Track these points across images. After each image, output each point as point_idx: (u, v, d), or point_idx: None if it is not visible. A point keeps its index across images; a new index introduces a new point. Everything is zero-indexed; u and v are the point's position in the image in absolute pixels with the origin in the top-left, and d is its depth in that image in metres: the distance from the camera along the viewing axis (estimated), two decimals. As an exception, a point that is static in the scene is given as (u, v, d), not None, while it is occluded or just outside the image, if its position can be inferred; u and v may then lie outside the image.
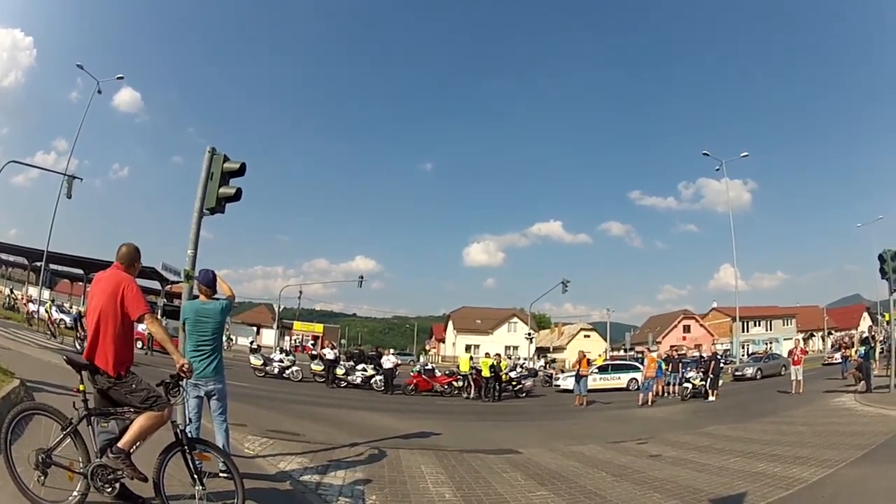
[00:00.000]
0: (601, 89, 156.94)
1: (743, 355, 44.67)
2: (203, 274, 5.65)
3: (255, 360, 22.67)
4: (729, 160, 42.90)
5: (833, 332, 55.47)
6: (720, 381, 20.81)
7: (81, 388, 3.73)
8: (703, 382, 19.60)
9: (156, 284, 37.23)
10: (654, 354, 24.60)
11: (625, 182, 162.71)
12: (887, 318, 20.60)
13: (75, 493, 3.64)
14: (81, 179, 31.46)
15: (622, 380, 25.87)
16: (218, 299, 5.63)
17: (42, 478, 3.56)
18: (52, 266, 35.58)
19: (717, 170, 42.95)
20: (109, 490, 3.65)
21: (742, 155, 43.90)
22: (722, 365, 23.56)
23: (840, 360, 23.54)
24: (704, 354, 23.34)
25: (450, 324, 72.20)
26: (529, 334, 47.36)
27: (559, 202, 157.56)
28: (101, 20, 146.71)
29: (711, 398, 18.53)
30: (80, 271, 38.76)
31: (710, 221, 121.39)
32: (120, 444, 3.66)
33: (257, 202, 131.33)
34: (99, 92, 33.93)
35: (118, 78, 36.74)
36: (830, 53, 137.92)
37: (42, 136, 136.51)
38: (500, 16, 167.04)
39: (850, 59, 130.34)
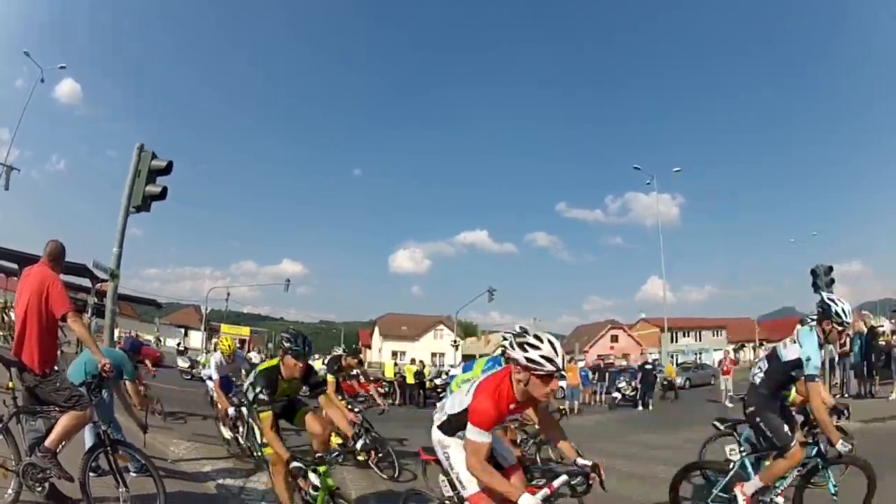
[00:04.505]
0: (526, 101, 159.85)
1: (671, 365, 46.43)
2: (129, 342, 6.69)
3: (182, 363, 24.40)
4: (660, 174, 44.83)
5: (765, 343, 58.63)
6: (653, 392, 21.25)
7: (10, 385, 3.88)
8: (634, 392, 19.99)
9: (86, 282, 34.81)
10: (580, 364, 25.19)
11: (551, 193, 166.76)
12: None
13: (10, 491, 3.77)
14: (19, 171, 31.23)
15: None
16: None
17: None
18: (-13, 260, 33.37)
19: (648, 184, 44.40)
20: (40, 489, 3.79)
21: (675, 170, 45.82)
22: (656, 375, 24.03)
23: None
24: (639, 363, 23.71)
25: (376, 330, 72.06)
26: (455, 342, 47.70)
27: (485, 211, 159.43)
28: (52, 7, 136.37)
29: (640, 408, 18.92)
30: (15, 265, 36.45)
31: (637, 235, 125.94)
32: (46, 443, 3.80)
33: (190, 199, 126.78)
34: (42, 81, 34.12)
35: (60, 67, 37.14)
36: (765, 68, 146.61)
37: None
38: (441, 24, 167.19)
39: (784, 74, 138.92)
